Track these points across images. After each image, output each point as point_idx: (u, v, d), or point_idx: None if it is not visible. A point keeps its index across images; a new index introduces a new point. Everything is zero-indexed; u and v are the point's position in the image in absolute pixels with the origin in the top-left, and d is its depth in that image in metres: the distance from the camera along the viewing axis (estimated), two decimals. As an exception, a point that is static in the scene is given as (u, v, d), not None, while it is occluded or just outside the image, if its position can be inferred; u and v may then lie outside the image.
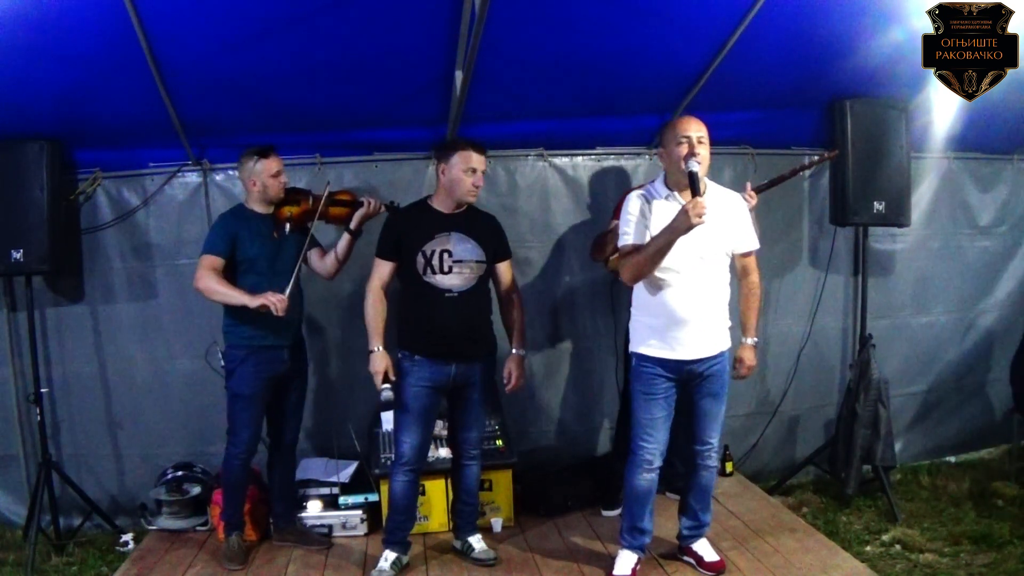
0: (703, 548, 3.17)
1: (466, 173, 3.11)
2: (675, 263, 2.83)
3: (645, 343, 2.96)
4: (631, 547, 3.12)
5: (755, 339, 3.08)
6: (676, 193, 2.89)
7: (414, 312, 3.17)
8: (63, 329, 4.00)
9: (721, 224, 2.87)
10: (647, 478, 3.01)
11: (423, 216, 3.20)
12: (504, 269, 3.32)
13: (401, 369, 3.17)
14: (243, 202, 3.40)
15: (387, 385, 3.12)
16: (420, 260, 3.12)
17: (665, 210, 2.86)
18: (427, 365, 3.14)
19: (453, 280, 3.13)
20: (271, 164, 3.28)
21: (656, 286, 2.89)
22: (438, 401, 3.25)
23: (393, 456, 3.31)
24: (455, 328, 3.14)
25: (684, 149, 2.80)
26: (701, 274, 2.87)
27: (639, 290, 2.99)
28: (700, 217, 2.65)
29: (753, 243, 3.01)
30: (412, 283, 3.17)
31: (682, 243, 2.76)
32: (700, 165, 2.80)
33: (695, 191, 2.75)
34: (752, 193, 3.36)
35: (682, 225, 2.70)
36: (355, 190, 3.69)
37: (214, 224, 3.37)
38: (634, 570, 3.10)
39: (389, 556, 3.21)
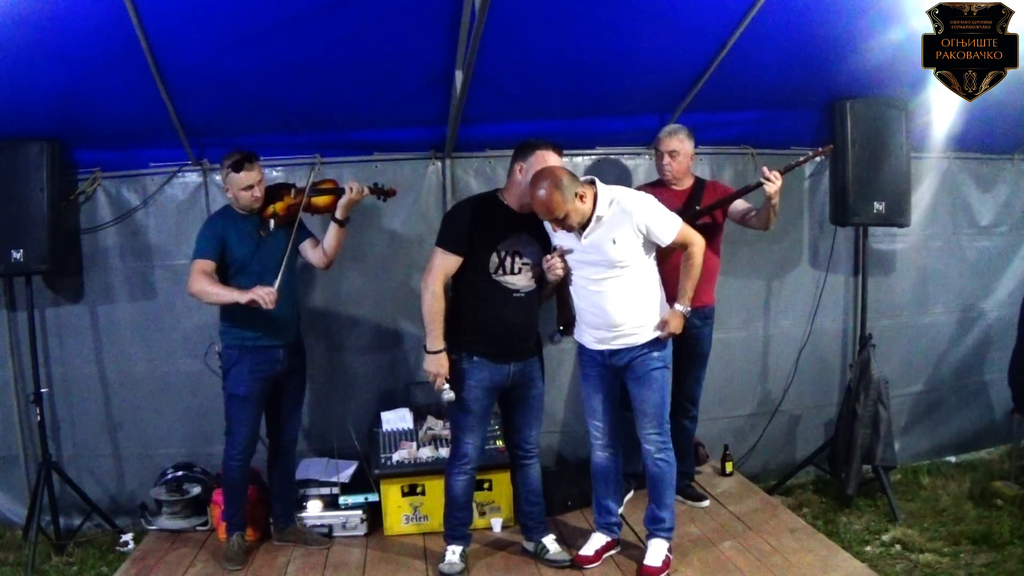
0: (652, 549, 3.14)
1: None
2: (583, 274, 3.02)
3: (579, 332, 3.19)
4: (599, 526, 3.31)
5: (684, 307, 3.05)
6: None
7: (479, 312, 3.07)
8: (63, 329, 4.00)
9: (617, 243, 2.93)
10: (599, 455, 3.25)
11: (496, 212, 3.09)
12: None
13: (459, 371, 3.07)
14: (229, 204, 3.35)
15: (447, 385, 3.04)
16: (494, 259, 3.04)
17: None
18: (486, 366, 3.09)
19: (520, 280, 3.08)
20: (242, 178, 3.19)
21: (576, 291, 3.11)
22: (495, 399, 3.23)
23: (452, 456, 3.22)
24: (519, 328, 3.11)
25: None
26: (609, 281, 2.97)
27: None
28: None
29: (668, 234, 2.97)
30: (478, 281, 3.06)
31: (584, 262, 2.99)
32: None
33: None
34: (777, 174, 3.23)
35: None
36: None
37: (201, 229, 3.31)
38: (598, 552, 3.23)
39: (456, 550, 3.23)
